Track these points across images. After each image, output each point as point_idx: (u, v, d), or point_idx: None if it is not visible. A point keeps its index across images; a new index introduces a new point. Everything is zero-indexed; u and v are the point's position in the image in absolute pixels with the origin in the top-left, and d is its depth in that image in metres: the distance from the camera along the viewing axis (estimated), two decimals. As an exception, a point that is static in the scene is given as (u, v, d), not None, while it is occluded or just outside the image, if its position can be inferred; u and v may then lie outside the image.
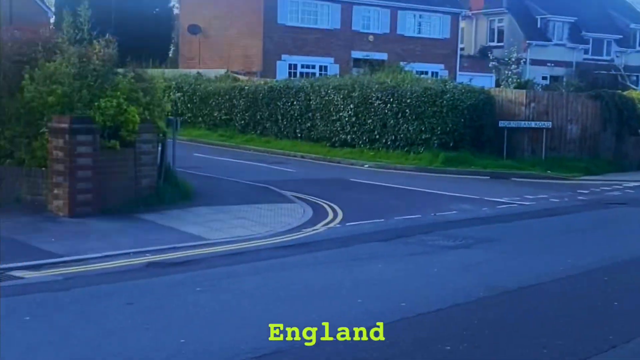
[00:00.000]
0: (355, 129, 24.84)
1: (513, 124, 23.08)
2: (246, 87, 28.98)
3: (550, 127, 23.05)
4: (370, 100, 24.29)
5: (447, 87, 23.27)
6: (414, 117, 23.18)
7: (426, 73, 40.68)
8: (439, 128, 22.76)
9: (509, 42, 46.49)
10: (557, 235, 12.83)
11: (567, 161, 22.76)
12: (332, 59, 38.25)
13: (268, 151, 25.98)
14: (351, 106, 24.77)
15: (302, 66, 37.58)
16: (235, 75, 32.19)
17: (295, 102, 27.06)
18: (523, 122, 23.11)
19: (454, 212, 14.94)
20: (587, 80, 40.58)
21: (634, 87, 28.12)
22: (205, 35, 39.48)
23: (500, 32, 47.83)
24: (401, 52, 40.51)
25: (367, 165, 23.03)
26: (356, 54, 39.07)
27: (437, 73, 41.72)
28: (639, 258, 10.94)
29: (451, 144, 22.75)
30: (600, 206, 16.55)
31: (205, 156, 23.44)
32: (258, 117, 28.36)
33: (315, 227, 12.89)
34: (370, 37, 39.78)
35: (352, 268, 9.82)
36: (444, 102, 22.65)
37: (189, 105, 30.73)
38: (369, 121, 24.35)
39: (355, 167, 22.96)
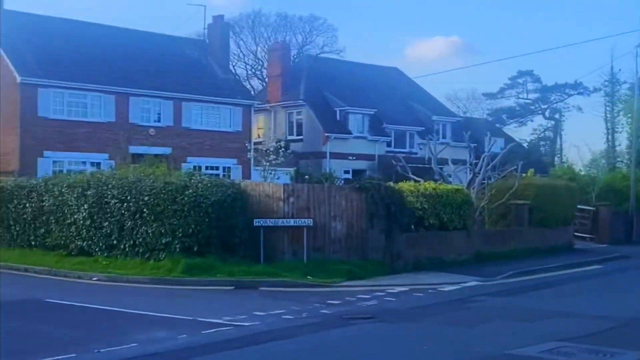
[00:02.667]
0: (91, 233, 20.80)
1: (270, 222, 19.85)
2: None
3: (312, 224, 19.96)
4: (106, 199, 20.42)
5: (192, 181, 19.78)
6: (152, 217, 19.45)
7: (217, 168, 37.86)
8: (180, 230, 19.09)
9: (309, 135, 44.52)
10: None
11: (331, 264, 19.51)
12: (106, 155, 34.09)
13: (-13, 265, 21.29)
14: (85, 206, 20.80)
15: (70, 163, 33.22)
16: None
17: (27, 204, 22.78)
18: (281, 220, 19.94)
19: (134, 344, 11.13)
20: (387, 172, 38.67)
21: (416, 178, 25.68)
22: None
23: (300, 125, 45.64)
24: (187, 145, 37.22)
25: (95, 279, 18.95)
26: (135, 149, 35.13)
27: (229, 168, 38.87)
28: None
29: (195, 248, 19.13)
30: (338, 323, 13.26)
31: None
32: (-15, 223, 23.78)
33: None
34: (152, 131, 36.12)
35: None
36: (185, 198, 19.11)
37: None
38: (105, 224, 20.40)
39: (82, 282, 18.88)
